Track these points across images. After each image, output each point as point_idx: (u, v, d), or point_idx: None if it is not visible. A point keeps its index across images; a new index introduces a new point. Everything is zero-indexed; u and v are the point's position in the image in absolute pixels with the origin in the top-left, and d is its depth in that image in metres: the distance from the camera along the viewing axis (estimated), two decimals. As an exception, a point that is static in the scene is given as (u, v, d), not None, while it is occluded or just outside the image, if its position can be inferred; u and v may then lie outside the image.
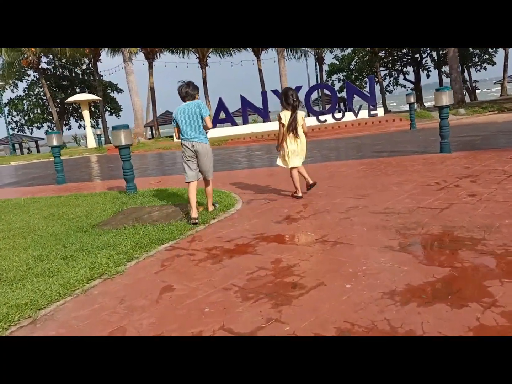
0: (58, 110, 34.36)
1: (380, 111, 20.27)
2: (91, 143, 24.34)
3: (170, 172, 10.51)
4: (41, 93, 33.48)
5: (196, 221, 4.49)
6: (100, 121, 35.84)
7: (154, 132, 31.97)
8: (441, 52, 34.67)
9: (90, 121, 38.73)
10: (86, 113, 24.63)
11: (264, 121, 21.79)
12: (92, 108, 37.32)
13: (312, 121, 20.32)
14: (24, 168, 18.05)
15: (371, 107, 20.24)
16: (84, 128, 26.08)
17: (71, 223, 5.15)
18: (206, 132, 4.73)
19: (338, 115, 20.24)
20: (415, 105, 14.30)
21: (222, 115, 22.41)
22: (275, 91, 20.69)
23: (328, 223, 4.03)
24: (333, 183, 6.04)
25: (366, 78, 38.66)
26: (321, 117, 20.17)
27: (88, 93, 35.32)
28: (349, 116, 20.11)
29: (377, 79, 37.06)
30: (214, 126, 21.86)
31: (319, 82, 27.61)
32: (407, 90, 44.14)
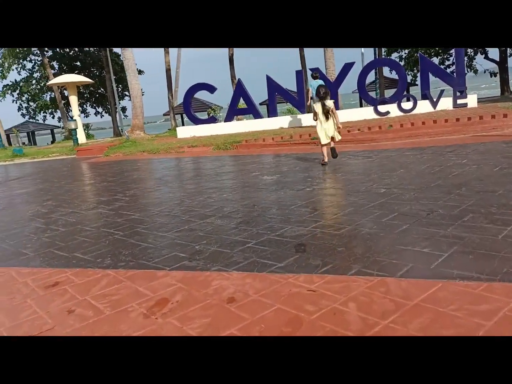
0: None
1: (471, 100, 13.64)
2: (82, 137, 19.20)
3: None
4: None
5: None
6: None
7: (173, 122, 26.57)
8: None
9: (107, 108, 34.07)
10: (73, 99, 19.40)
11: (300, 112, 15.70)
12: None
13: (368, 113, 14.05)
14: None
15: (458, 93, 13.67)
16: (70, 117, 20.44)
17: None
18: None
19: (407, 105, 13.84)
20: None
21: (242, 104, 16.60)
22: (315, 69, 14.55)
23: None
24: None
25: (435, 58, 31.26)
26: (381, 108, 13.87)
27: (103, 75, 30.51)
28: (423, 107, 13.67)
29: (450, 60, 29.66)
30: (230, 119, 16.09)
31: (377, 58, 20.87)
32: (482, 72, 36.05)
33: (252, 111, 15.79)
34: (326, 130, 7.14)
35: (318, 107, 7.17)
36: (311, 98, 13.68)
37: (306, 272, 2.92)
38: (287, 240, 3.63)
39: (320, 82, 13.02)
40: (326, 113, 7.09)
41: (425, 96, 13.98)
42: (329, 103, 7.14)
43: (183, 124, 28.36)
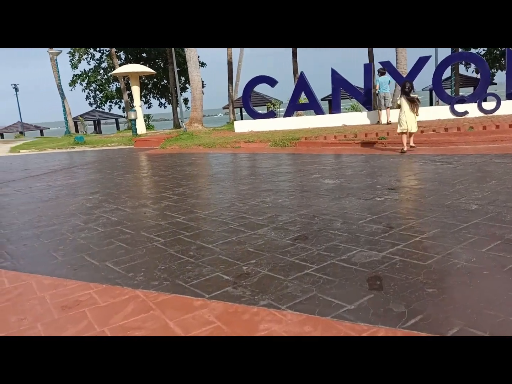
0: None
1: None
2: (141, 127, 19.24)
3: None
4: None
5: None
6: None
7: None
8: None
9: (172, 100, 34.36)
10: (135, 89, 19.48)
11: (366, 109, 14.64)
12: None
13: (443, 112, 12.74)
14: None
15: (550, 93, 12.01)
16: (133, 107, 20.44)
17: None
18: None
19: (488, 105, 12.37)
20: None
21: (303, 99, 15.81)
22: (385, 63, 13.46)
23: None
24: None
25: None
26: (459, 107, 12.51)
27: (166, 66, 30.74)
28: (508, 108, 12.13)
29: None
30: (289, 115, 15.34)
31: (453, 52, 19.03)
32: None
33: (313, 107, 14.94)
34: (407, 122, 8.00)
35: (402, 100, 8.02)
36: (377, 94, 12.85)
37: (387, 324, 2.16)
38: (356, 269, 2.89)
39: (389, 78, 12.64)
40: (411, 106, 8.01)
41: (510, 96, 12.43)
42: (414, 96, 8.06)
43: (241, 118, 28.00)
